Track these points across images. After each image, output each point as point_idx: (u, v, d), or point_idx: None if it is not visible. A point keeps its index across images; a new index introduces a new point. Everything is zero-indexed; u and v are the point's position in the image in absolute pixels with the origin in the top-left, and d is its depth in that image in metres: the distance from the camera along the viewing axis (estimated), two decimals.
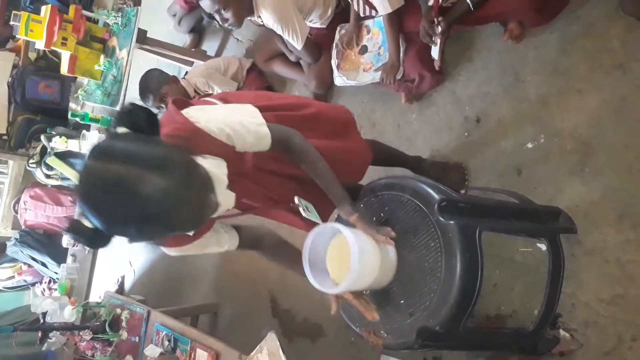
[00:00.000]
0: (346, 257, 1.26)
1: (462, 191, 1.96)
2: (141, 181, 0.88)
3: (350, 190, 1.45)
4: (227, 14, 2.36)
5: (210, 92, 3.00)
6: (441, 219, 1.31)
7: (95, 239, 0.95)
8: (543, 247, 1.70)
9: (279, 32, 2.42)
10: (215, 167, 1.19)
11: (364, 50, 2.40)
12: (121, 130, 0.95)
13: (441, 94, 2.21)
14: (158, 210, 0.90)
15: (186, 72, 3.27)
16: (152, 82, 2.95)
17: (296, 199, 1.43)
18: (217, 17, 2.41)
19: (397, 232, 1.38)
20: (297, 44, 2.45)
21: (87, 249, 3.26)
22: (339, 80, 2.47)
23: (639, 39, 1.65)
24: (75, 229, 0.93)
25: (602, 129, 1.68)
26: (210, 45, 3.73)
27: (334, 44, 2.49)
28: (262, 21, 2.46)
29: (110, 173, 0.88)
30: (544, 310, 1.61)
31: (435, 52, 1.96)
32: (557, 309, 1.65)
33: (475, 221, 1.35)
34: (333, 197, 1.41)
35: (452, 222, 1.29)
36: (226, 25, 2.44)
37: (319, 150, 1.40)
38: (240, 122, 1.25)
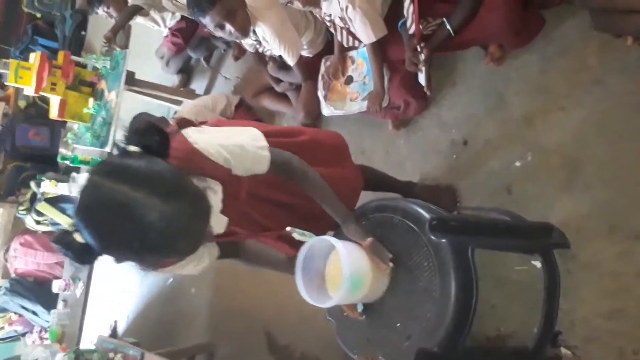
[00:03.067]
0: (340, 272, 1.27)
1: (454, 212, 1.97)
2: (149, 208, 0.86)
3: None
4: (231, 27, 2.32)
5: None
6: (433, 238, 1.31)
7: (84, 255, 0.92)
8: (538, 264, 1.70)
9: (274, 45, 2.42)
10: (212, 192, 1.18)
11: (349, 80, 2.45)
12: (132, 148, 0.94)
13: (427, 119, 2.24)
14: (160, 238, 0.88)
15: (175, 112, 3.30)
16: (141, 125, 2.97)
17: (288, 229, 1.42)
18: (221, 33, 2.40)
19: (392, 258, 1.39)
20: (291, 59, 2.47)
21: (78, 293, 3.21)
22: (326, 110, 2.51)
23: (613, 54, 1.70)
24: (64, 241, 0.91)
25: (586, 144, 1.71)
26: (198, 85, 3.79)
27: (320, 75, 2.54)
28: (254, 38, 2.48)
29: (117, 193, 0.86)
30: (543, 328, 1.59)
31: (422, 78, 2.00)
32: (556, 326, 1.63)
33: (467, 239, 1.35)
34: (339, 218, 1.42)
35: (444, 240, 1.29)
36: (234, 38, 2.42)
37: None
38: (240, 145, 1.26)
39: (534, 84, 1.90)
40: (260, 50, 2.60)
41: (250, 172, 1.30)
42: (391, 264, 1.36)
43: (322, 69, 2.56)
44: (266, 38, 2.43)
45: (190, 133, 1.22)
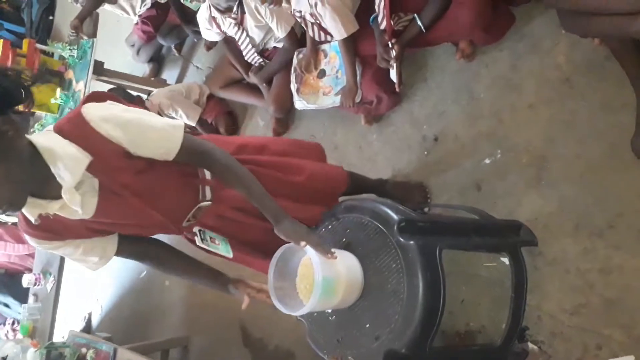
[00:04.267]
0: (312, 278, 1.25)
1: (425, 209, 1.97)
2: None
3: None
4: None
5: (174, 114, 2.96)
6: (401, 239, 1.31)
7: None
8: (506, 260, 1.72)
9: (267, 18, 2.42)
10: (69, 152, 1.10)
11: (322, 74, 2.42)
12: None
13: (399, 115, 2.24)
14: None
15: (149, 94, 3.21)
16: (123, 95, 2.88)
17: (195, 229, 1.41)
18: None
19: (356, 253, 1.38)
20: (282, 32, 2.46)
21: (49, 287, 3.15)
22: (299, 104, 2.48)
23: (582, 54, 1.71)
24: None
25: (554, 142, 1.73)
26: (170, 75, 3.72)
27: (293, 68, 2.51)
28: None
29: None
30: (510, 323, 1.61)
31: (393, 75, 1.99)
32: (523, 322, 1.66)
33: (435, 239, 1.35)
34: (270, 216, 1.34)
35: (411, 242, 1.29)
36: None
37: (286, 209, 1.36)
38: (144, 121, 1.18)
39: (504, 81, 1.90)
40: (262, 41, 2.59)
41: (156, 154, 1.21)
42: (335, 254, 1.30)
43: (295, 61, 2.53)
44: (259, 11, 2.41)
45: (91, 108, 1.14)
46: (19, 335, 3.81)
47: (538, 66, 1.82)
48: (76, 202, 1.13)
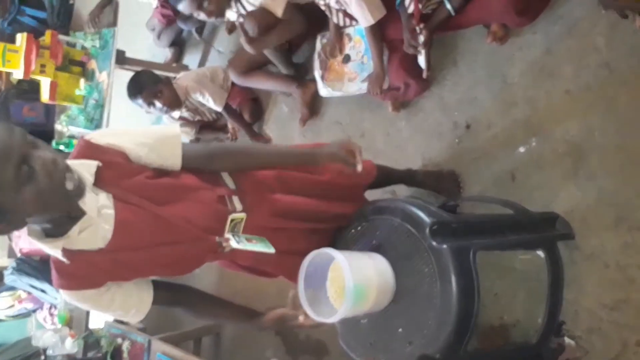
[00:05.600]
0: (343, 283, 1.27)
1: (457, 203, 1.96)
2: None
3: None
4: (211, 6, 2.35)
5: (201, 98, 2.96)
6: (433, 243, 1.31)
7: None
8: (542, 253, 1.70)
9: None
10: (80, 162, 1.17)
11: (347, 59, 2.40)
12: None
13: (429, 100, 2.20)
14: None
15: (175, 77, 3.21)
16: (147, 80, 2.85)
17: (228, 234, 1.36)
18: (201, 14, 2.39)
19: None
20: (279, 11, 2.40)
21: None
22: (324, 91, 2.46)
23: (623, 36, 1.64)
24: None
25: (592, 131, 1.68)
26: (191, 59, 3.71)
27: (316, 54, 2.48)
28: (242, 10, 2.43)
29: None
30: (547, 318, 1.61)
31: (421, 61, 1.95)
32: (560, 317, 1.65)
33: (469, 241, 1.35)
34: (305, 161, 1.44)
35: (444, 246, 1.29)
36: (213, 18, 2.45)
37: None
38: (142, 129, 1.28)
39: (539, 65, 1.85)
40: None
41: (160, 156, 1.26)
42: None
43: (318, 46, 2.50)
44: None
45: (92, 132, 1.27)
46: (56, 320, 3.98)
47: (575, 50, 1.76)
48: (96, 206, 1.15)
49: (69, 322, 3.27)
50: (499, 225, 1.54)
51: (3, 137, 1.00)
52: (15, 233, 4.51)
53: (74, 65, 3.25)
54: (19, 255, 4.57)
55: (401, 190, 2.13)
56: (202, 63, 3.62)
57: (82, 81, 3.18)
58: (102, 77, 3.10)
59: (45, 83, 3.12)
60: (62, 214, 1.12)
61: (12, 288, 4.73)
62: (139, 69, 3.29)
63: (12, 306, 4.80)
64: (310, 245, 1.42)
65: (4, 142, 0.99)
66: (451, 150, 2.09)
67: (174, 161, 1.28)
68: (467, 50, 2.08)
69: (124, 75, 3.35)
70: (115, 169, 1.20)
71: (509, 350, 1.66)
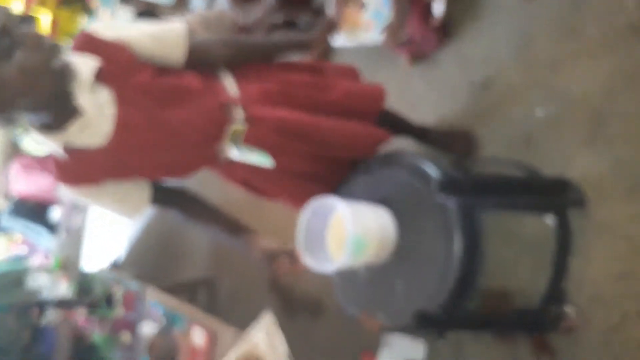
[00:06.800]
0: (343, 233, 1.28)
1: (468, 162, 1.96)
2: None
3: None
4: None
5: None
6: (439, 199, 1.31)
7: None
8: (550, 220, 1.71)
9: None
10: (79, 59, 1.18)
11: (363, 7, 2.36)
12: None
13: (446, 55, 2.17)
14: None
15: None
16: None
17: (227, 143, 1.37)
18: None
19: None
20: None
21: (79, 221, 3.31)
22: (338, 41, 2.43)
23: None
24: None
25: (614, 97, 1.66)
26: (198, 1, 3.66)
27: (332, 1, 2.44)
28: None
29: None
30: (550, 286, 1.64)
31: (438, 9, 1.92)
32: (563, 285, 1.68)
33: (477, 199, 1.35)
34: (299, 45, 1.55)
35: (451, 201, 1.30)
36: None
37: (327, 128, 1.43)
38: (146, 24, 1.29)
39: (564, 25, 1.82)
40: None
41: (162, 51, 1.28)
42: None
43: None
44: None
45: (94, 25, 1.29)
46: (52, 263, 4.08)
47: (603, 9, 1.72)
48: (95, 105, 1.17)
49: (62, 267, 3.34)
50: (508, 186, 1.55)
51: None
52: (12, 175, 4.57)
53: (76, 1, 3.22)
54: (15, 197, 4.64)
55: (410, 148, 2.13)
56: (209, 6, 3.57)
57: (83, 18, 3.15)
58: (104, 14, 3.07)
59: (45, 19, 3.10)
60: (58, 108, 1.15)
61: (9, 229, 4.83)
62: (142, 8, 3.26)
63: (7, 248, 4.92)
64: (309, 169, 1.48)
65: None
66: (466, 110, 2.07)
67: (178, 54, 1.29)
68: (490, 5, 2.04)
69: (127, 17, 3.33)
70: (119, 65, 1.21)
71: (510, 314, 1.69)
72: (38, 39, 1.07)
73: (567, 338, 1.66)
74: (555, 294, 1.66)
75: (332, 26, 1.70)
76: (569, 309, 1.70)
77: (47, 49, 1.09)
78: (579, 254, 1.68)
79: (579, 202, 1.68)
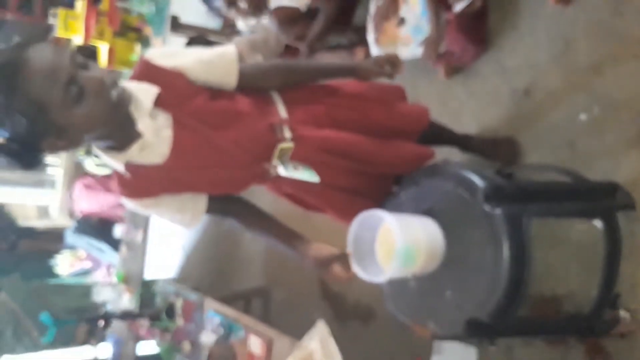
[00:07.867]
0: (392, 245, 1.30)
1: (513, 169, 1.93)
2: None
3: None
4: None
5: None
6: (486, 208, 1.31)
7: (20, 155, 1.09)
8: (599, 224, 1.67)
9: None
10: (140, 86, 1.24)
11: (402, 22, 2.37)
12: None
13: (486, 65, 2.16)
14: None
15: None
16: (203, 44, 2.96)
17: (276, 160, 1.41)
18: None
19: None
20: None
21: (139, 237, 3.43)
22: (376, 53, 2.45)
23: None
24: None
25: None
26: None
27: (370, 17, 2.46)
28: None
29: None
30: (602, 290, 1.59)
31: (460, 6, 1.92)
32: (616, 289, 1.63)
33: (523, 207, 1.34)
34: (346, 72, 1.51)
35: (497, 211, 1.29)
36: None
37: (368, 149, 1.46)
38: (199, 50, 1.35)
39: (606, 28, 1.78)
40: None
41: (215, 76, 1.33)
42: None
43: (373, 8, 2.48)
44: None
45: (150, 51, 1.32)
46: (114, 279, 4.24)
47: None
48: (153, 129, 1.24)
49: (125, 280, 3.46)
50: (555, 193, 1.52)
51: (52, 59, 1.07)
52: (76, 194, 4.79)
53: (130, 31, 3.37)
54: (79, 216, 4.85)
55: (455, 158, 2.12)
56: (255, 28, 3.65)
57: (137, 47, 3.29)
58: (157, 42, 3.20)
59: (103, 49, 3.25)
60: (121, 134, 1.23)
61: (73, 247, 5.05)
62: (192, 34, 3.38)
63: (72, 265, 5.13)
64: (354, 184, 1.51)
65: (53, 63, 1.06)
66: (509, 117, 2.06)
67: (230, 79, 1.35)
68: (528, 13, 2.03)
69: (178, 43, 3.45)
70: (175, 92, 1.27)
71: (561, 320, 1.66)
72: (101, 84, 1.13)
73: (622, 342, 1.62)
74: (608, 298, 1.61)
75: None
76: (623, 314, 1.66)
77: (109, 87, 1.14)
78: (631, 258, 1.63)
79: (628, 205, 1.64)
